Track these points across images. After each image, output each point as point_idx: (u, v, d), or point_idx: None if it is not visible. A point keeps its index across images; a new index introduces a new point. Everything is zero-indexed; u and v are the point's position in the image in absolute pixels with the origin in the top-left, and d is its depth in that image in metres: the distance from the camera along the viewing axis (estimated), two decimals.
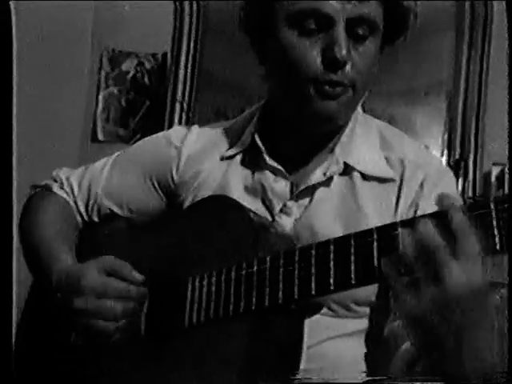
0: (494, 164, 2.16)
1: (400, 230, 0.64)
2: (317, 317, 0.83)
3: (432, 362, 0.65)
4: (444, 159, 2.27)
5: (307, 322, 0.80)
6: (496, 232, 0.59)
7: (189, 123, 2.43)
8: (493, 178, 2.13)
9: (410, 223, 0.63)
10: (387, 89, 2.28)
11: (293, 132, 0.92)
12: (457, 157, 2.25)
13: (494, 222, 0.60)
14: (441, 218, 0.62)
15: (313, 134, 0.91)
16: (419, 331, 0.64)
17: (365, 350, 0.90)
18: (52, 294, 0.89)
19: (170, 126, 2.40)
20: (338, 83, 0.83)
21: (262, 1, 0.88)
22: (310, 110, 0.85)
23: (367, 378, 0.79)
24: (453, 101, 2.29)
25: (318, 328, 0.84)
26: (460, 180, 2.21)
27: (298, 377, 0.77)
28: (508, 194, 0.64)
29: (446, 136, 2.29)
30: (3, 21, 0.73)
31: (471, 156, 2.24)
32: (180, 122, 2.43)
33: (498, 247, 0.59)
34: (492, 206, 0.60)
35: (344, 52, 0.81)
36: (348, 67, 0.82)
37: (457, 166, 2.23)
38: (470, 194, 2.18)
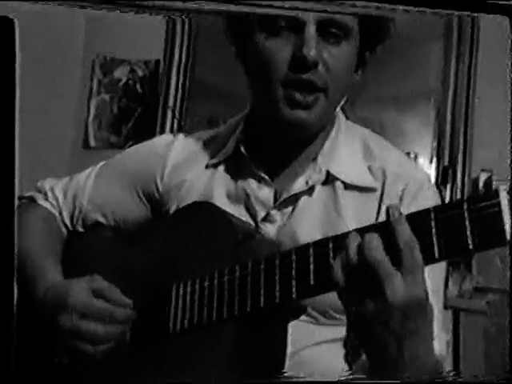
0: (483, 170, 2.18)
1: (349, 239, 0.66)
2: (298, 323, 0.83)
3: (375, 366, 0.68)
4: (433, 166, 2.29)
5: (290, 328, 0.81)
6: (435, 241, 0.61)
7: (181, 130, 2.44)
8: (481, 184, 2.15)
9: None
10: (377, 96, 2.31)
11: (273, 139, 0.92)
12: (446, 163, 2.28)
13: (434, 231, 0.61)
14: (385, 229, 0.64)
15: (290, 140, 0.91)
16: (364, 338, 0.67)
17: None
18: (37, 310, 0.89)
19: (162, 132, 2.41)
20: (309, 84, 0.83)
21: (239, 11, 0.89)
22: (280, 117, 0.85)
23: (350, 377, 0.80)
24: (441, 108, 2.31)
25: (299, 335, 0.85)
26: (448, 186, 2.23)
27: (282, 379, 0.78)
28: (448, 202, 0.66)
29: (434, 143, 2.31)
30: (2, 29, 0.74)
31: (460, 162, 2.26)
32: (172, 129, 2.43)
33: (436, 256, 0.62)
34: (432, 216, 0.62)
35: (313, 52, 0.81)
36: (320, 69, 0.82)
37: (445, 173, 2.25)
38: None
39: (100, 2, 0.84)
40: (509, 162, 0.70)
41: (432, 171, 2.28)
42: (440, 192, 2.20)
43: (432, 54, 2.36)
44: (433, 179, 2.25)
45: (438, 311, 0.84)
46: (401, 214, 0.64)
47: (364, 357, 0.73)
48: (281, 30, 0.83)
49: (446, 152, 2.28)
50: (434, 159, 2.30)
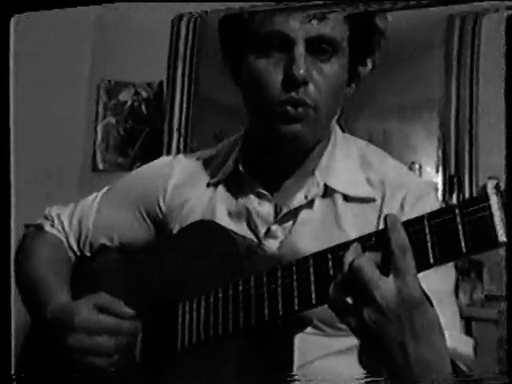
0: (490, 177, 2.17)
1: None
2: (306, 336, 0.84)
3: (388, 374, 0.68)
4: (439, 175, 2.28)
5: (297, 341, 0.81)
6: (429, 246, 0.63)
7: (187, 148, 2.46)
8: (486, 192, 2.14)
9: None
10: (380, 105, 2.31)
11: (271, 154, 0.94)
12: (452, 172, 2.27)
13: (428, 237, 0.63)
14: (383, 237, 0.65)
15: (287, 155, 0.92)
16: (369, 348, 0.68)
17: (356, 367, 0.91)
18: (47, 331, 0.91)
19: (169, 152, 2.43)
20: (299, 102, 0.84)
21: (231, 32, 0.90)
22: (275, 134, 0.87)
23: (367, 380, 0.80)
24: (445, 117, 2.31)
25: (308, 347, 0.85)
26: (455, 195, 2.23)
27: None
28: (441, 207, 0.67)
29: (440, 152, 2.31)
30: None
31: (466, 171, 2.26)
32: (178, 149, 2.45)
33: (431, 261, 0.63)
34: (425, 222, 0.63)
35: (302, 71, 0.82)
36: (310, 86, 0.84)
37: (452, 181, 2.25)
38: None
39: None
40: (503, 166, 0.71)
41: (438, 180, 2.27)
42: (446, 201, 2.20)
43: (434, 62, 2.36)
44: (440, 188, 2.25)
45: (453, 314, 0.84)
46: (397, 220, 0.65)
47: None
48: (271, 50, 0.84)
49: (452, 160, 2.28)
50: (440, 168, 2.29)
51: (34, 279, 1.00)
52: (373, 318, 0.64)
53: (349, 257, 0.66)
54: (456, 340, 0.79)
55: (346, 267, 0.66)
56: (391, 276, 0.63)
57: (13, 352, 0.78)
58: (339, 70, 0.87)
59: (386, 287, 0.63)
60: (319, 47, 0.84)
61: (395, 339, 0.64)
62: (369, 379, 0.85)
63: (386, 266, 0.64)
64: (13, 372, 0.74)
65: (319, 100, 0.85)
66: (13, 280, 0.78)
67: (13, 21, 0.75)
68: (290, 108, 0.84)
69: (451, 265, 0.90)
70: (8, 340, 0.73)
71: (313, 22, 0.83)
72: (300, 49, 0.83)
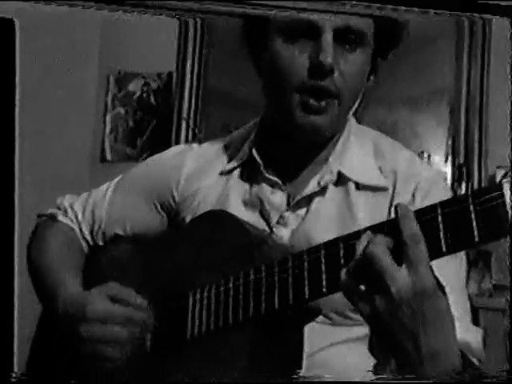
0: (499, 167, 2.17)
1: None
2: (315, 325, 0.84)
3: (400, 364, 0.68)
4: (448, 164, 2.28)
5: (306, 330, 0.82)
6: (442, 235, 0.63)
7: (195, 139, 2.46)
8: (498, 181, 2.13)
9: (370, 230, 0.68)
10: (390, 96, 2.30)
11: (286, 143, 0.93)
12: (461, 161, 2.27)
13: (440, 226, 0.63)
14: (393, 227, 0.65)
15: (304, 144, 0.93)
16: (381, 337, 0.68)
17: (365, 357, 0.92)
18: (58, 320, 0.92)
19: (177, 143, 2.43)
20: (324, 90, 0.84)
21: (258, 17, 0.90)
22: (295, 123, 0.86)
23: (372, 378, 0.81)
24: (455, 106, 2.30)
25: (317, 336, 0.85)
26: (464, 184, 2.22)
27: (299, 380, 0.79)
28: (454, 196, 0.67)
29: (449, 141, 2.30)
30: (7, 42, 0.76)
31: (475, 160, 2.25)
32: (187, 139, 2.45)
33: (444, 250, 0.63)
34: (438, 211, 0.64)
35: (330, 59, 0.82)
36: (336, 75, 0.84)
37: (461, 171, 2.24)
38: None
39: (110, 2, 0.86)
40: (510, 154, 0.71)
41: (448, 169, 2.27)
42: (455, 190, 2.19)
43: (444, 53, 2.35)
44: (449, 177, 2.24)
45: (463, 304, 0.84)
46: (408, 210, 0.65)
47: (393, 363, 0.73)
48: (298, 37, 0.84)
49: (461, 150, 2.27)
50: (450, 157, 2.29)
51: (47, 269, 1.00)
52: (385, 306, 0.64)
53: (362, 243, 0.66)
54: (466, 331, 0.79)
55: (360, 254, 0.66)
56: (404, 266, 0.63)
57: (15, 351, 0.78)
58: (364, 62, 0.87)
59: (399, 276, 0.63)
60: (346, 37, 0.84)
61: (407, 328, 0.64)
62: (377, 368, 0.86)
63: (399, 255, 0.64)
64: (13, 372, 0.75)
65: (344, 90, 0.85)
66: (16, 279, 0.79)
67: (21, 11, 0.76)
68: (312, 99, 0.84)
69: (463, 256, 0.90)
70: (8, 340, 0.74)
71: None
72: (328, 37, 0.82)
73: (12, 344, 0.71)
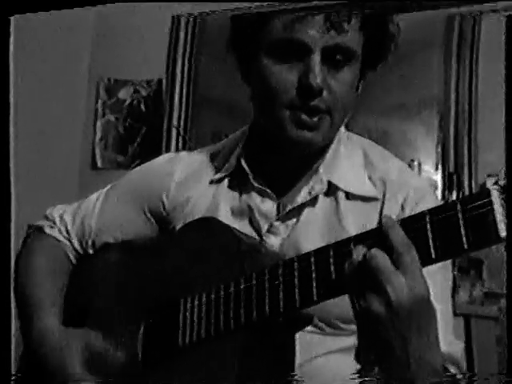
0: (489, 175, 2.18)
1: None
2: (306, 334, 0.84)
3: (383, 371, 0.68)
4: (439, 173, 2.29)
5: (298, 340, 0.82)
6: (431, 243, 0.63)
7: (186, 147, 2.46)
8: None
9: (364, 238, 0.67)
10: (380, 105, 2.31)
11: (275, 153, 0.94)
12: (451, 170, 2.27)
13: (429, 233, 0.63)
14: (378, 235, 0.66)
15: (294, 155, 0.93)
16: (371, 341, 0.68)
17: (356, 367, 0.92)
18: (30, 350, 0.93)
19: (168, 150, 2.42)
20: (315, 109, 0.84)
21: (246, 29, 0.90)
22: (284, 137, 0.87)
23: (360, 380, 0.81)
24: (444, 115, 2.32)
25: (308, 345, 0.86)
26: (455, 193, 2.23)
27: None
28: (442, 204, 0.68)
29: (439, 149, 2.31)
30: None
31: (466, 168, 2.26)
32: (177, 147, 2.45)
33: (433, 257, 0.63)
34: (427, 218, 0.64)
35: (319, 80, 0.82)
36: (325, 94, 0.84)
37: (451, 179, 2.25)
38: None
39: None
40: (504, 163, 0.71)
41: (438, 178, 2.27)
42: (445, 198, 2.20)
43: (433, 61, 2.36)
44: (439, 186, 2.25)
45: (447, 315, 0.85)
46: (393, 220, 0.66)
47: (376, 369, 0.73)
48: (287, 56, 0.84)
49: (451, 158, 2.28)
50: (440, 166, 2.29)
51: (30, 285, 1.00)
52: (382, 309, 0.64)
53: (363, 248, 0.66)
54: (449, 344, 0.80)
55: (360, 258, 0.66)
56: (400, 271, 0.63)
57: (13, 352, 0.78)
58: (352, 77, 0.88)
59: (398, 281, 0.63)
60: (335, 56, 0.84)
61: (399, 332, 0.64)
62: (363, 378, 0.86)
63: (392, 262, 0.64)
64: (13, 372, 0.75)
65: (334, 107, 0.86)
66: (12, 282, 0.78)
67: (13, 21, 0.75)
68: (304, 116, 0.85)
69: (449, 266, 0.91)
70: (8, 340, 0.74)
71: (331, 32, 0.83)
72: (316, 58, 0.83)
73: (9, 346, 0.70)
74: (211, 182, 0.99)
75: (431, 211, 0.64)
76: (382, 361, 0.69)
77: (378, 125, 2.30)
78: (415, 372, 0.65)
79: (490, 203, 0.60)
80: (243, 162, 0.95)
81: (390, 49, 0.91)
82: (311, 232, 0.90)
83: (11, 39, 0.76)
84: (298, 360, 0.83)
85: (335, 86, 0.85)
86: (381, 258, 0.64)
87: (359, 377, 0.85)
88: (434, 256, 0.63)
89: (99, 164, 2.50)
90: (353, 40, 0.85)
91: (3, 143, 0.78)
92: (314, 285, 0.71)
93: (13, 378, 0.74)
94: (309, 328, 0.85)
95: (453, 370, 0.80)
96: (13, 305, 0.76)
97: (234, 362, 0.78)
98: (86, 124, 2.50)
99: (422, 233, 0.64)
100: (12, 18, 0.75)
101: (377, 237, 0.66)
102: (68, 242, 1.07)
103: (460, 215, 0.62)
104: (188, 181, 1.01)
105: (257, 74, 0.88)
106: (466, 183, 2.24)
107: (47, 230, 1.08)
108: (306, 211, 0.92)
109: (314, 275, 0.71)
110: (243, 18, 0.91)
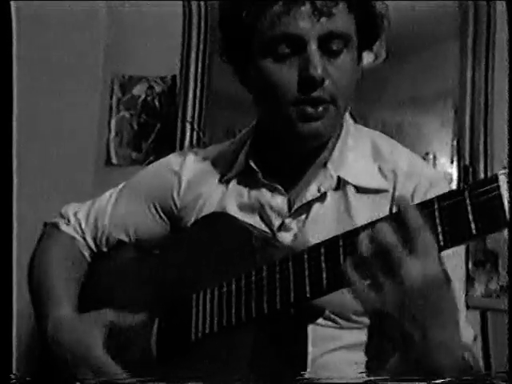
0: (504, 168, 2.15)
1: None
2: (320, 328, 0.84)
3: (404, 357, 0.67)
4: (454, 165, 2.27)
5: (310, 333, 0.81)
6: (439, 229, 0.63)
7: (200, 143, 2.46)
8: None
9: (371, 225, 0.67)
10: (394, 97, 2.30)
11: (283, 150, 0.94)
12: (466, 162, 2.26)
13: (438, 220, 0.63)
14: (397, 218, 0.65)
15: (302, 150, 0.93)
16: (387, 328, 0.66)
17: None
18: (45, 339, 0.94)
19: (182, 146, 2.43)
20: (319, 100, 0.84)
21: (237, 32, 0.89)
22: (294, 132, 0.87)
23: (367, 379, 0.80)
24: (460, 107, 2.29)
25: (321, 339, 0.85)
26: None
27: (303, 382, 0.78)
28: (450, 190, 0.67)
29: (454, 142, 2.29)
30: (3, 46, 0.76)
31: (481, 161, 2.24)
32: (191, 143, 2.45)
33: (442, 243, 0.63)
34: (436, 205, 0.64)
35: (319, 71, 0.82)
36: (327, 83, 0.84)
37: (466, 172, 2.23)
38: None
39: None
40: (507, 150, 0.71)
41: (453, 171, 2.25)
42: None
43: (449, 53, 2.34)
44: (454, 179, 2.23)
45: (460, 303, 0.84)
46: (410, 203, 0.65)
47: (394, 358, 0.72)
48: (283, 53, 0.84)
49: (467, 151, 2.26)
50: (455, 159, 2.27)
51: (45, 279, 1.03)
52: (395, 295, 0.63)
53: (370, 234, 0.65)
54: (463, 329, 0.79)
55: (368, 243, 0.65)
56: (414, 255, 0.62)
57: (13, 352, 0.78)
58: (351, 61, 0.87)
59: (410, 265, 0.62)
60: (330, 43, 0.84)
61: (416, 318, 0.63)
62: (372, 368, 0.86)
63: (405, 245, 0.63)
64: (13, 372, 0.75)
65: (337, 94, 0.85)
66: (14, 279, 0.79)
67: (22, 15, 0.75)
68: (309, 108, 0.84)
69: (463, 254, 0.90)
70: (8, 340, 0.74)
71: (322, 19, 0.82)
72: (313, 48, 0.82)
73: (11, 345, 0.71)
74: (221, 181, 0.99)
75: (439, 197, 0.64)
76: (399, 349, 0.68)
77: (392, 118, 2.28)
78: (435, 357, 0.64)
79: (498, 188, 0.60)
80: (251, 163, 0.96)
81: (382, 26, 0.91)
82: (321, 226, 0.90)
83: (15, 35, 0.76)
84: (312, 353, 0.83)
85: (335, 74, 0.84)
86: (392, 241, 0.63)
87: (368, 372, 0.84)
88: (442, 243, 0.63)
89: (114, 160, 2.51)
90: (345, 24, 0.85)
91: (20, 140, 0.79)
92: (325, 275, 0.71)
93: (13, 377, 0.74)
94: (322, 321, 0.85)
95: (466, 355, 0.79)
96: (14, 305, 0.76)
97: (247, 354, 0.78)
98: (100, 121, 2.52)
99: (430, 219, 0.64)
100: (19, 11, 0.75)
101: (393, 222, 0.65)
102: (82, 240, 1.09)
103: (468, 200, 0.62)
104: (198, 179, 1.02)
105: (256, 77, 0.88)
106: (481, 176, 2.22)
107: (63, 228, 1.10)
108: (316, 207, 0.92)
109: (323, 265, 0.71)
110: (227, 18, 0.90)
